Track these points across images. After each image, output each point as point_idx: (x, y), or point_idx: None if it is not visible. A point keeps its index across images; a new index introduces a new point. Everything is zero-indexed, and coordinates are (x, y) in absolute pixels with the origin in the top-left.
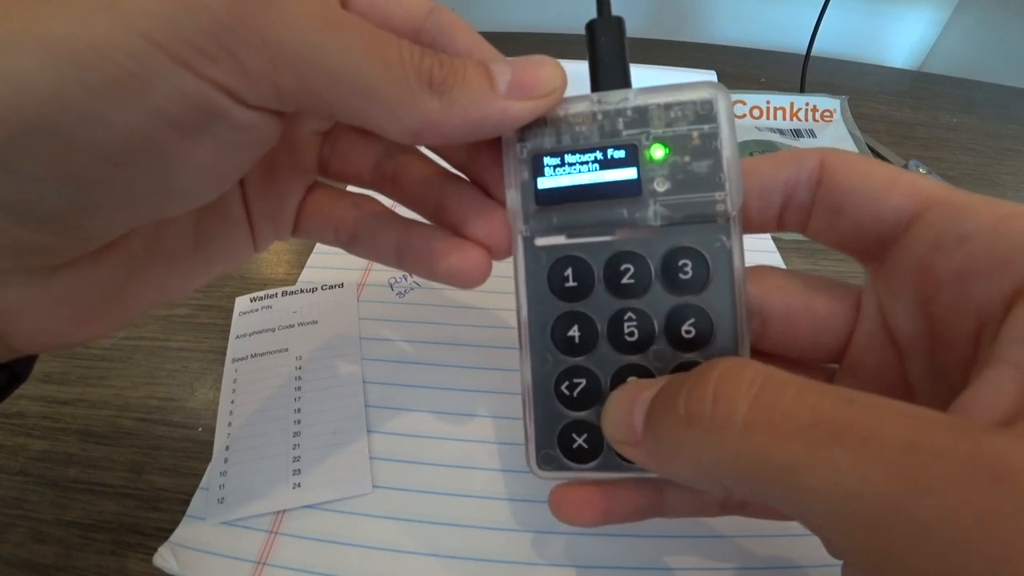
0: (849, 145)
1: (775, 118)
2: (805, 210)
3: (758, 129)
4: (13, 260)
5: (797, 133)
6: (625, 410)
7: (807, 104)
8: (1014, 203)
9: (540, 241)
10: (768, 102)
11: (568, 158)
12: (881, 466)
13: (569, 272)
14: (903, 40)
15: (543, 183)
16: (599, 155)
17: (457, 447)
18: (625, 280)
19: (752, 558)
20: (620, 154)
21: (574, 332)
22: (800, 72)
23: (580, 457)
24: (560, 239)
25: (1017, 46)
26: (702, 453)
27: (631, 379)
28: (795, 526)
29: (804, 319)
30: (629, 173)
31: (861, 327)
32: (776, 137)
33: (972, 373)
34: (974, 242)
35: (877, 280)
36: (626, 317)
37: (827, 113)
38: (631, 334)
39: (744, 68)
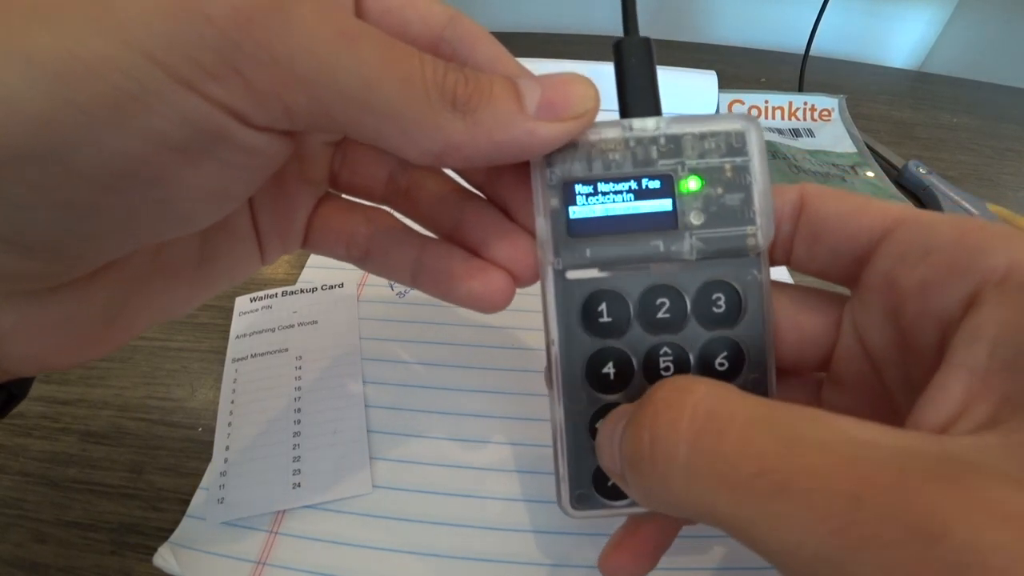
0: (847, 144)
1: (773, 117)
2: (788, 241)
3: None
4: (4, 285)
5: (796, 133)
6: (608, 447)
7: (805, 104)
8: (979, 219)
9: (572, 275)
10: (767, 102)
11: (601, 186)
12: (824, 522)
13: (603, 307)
14: (903, 40)
15: (575, 212)
16: (634, 184)
17: (457, 447)
18: (661, 315)
19: (754, 557)
20: (655, 184)
21: (609, 370)
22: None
23: (615, 494)
24: (593, 272)
25: (1017, 46)
26: (653, 498)
27: (620, 407)
28: None
29: (790, 334)
30: (664, 204)
31: (841, 342)
32: (775, 137)
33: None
34: (936, 254)
35: (853, 299)
36: (662, 352)
37: (825, 112)
38: (667, 369)
39: (744, 68)
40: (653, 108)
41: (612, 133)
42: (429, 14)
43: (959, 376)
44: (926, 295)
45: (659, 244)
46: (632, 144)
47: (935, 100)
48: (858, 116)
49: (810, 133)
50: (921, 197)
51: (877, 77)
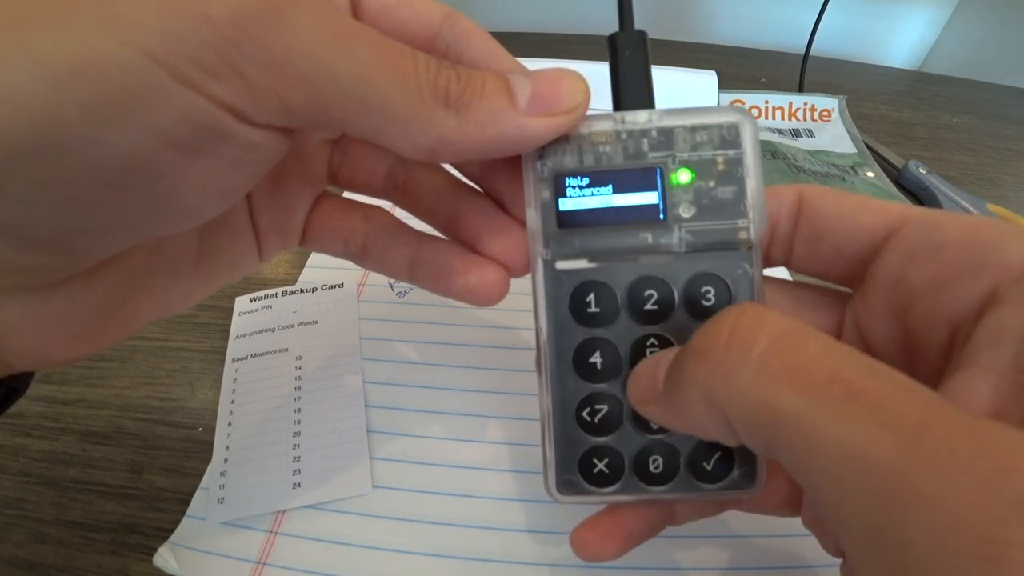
0: (847, 144)
1: (774, 118)
2: (788, 242)
3: None
4: (5, 279)
5: (796, 133)
6: (650, 371)
7: (805, 104)
8: (987, 217)
9: (561, 265)
10: (767, 102)
11: (591, 179)
12: (893, 435)
13: (592, 298)
14: (903, 40)
15: (565, 204)
16: (623, 177)
17: (457, 447)
18: (648, 306)
19: (755, 558)
20: (645, 177)
21: (596, 359)
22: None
23: (601, 481)
24: (582, 263)
25: (1017, 46)
26: (711, 390)
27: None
28: (796, 526)
29: None
30: (653, 197)
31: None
32: (775, 137)
33: (943, 378)
34: (947, 251)
35: (855, 298)
36: (649, 344)
37: (825, 113)
38: None
39: (744, 68)
40: (646, 101)
41: (604, 126)
42: (425, 12)
43: (985, 378)
44: (937, 292)
45: (647, 236)
46: (623, 137)
47: (935, 100)
48: (858, 116)
49: (810, 133)
50: (921, 197)
51: (877, 77)
